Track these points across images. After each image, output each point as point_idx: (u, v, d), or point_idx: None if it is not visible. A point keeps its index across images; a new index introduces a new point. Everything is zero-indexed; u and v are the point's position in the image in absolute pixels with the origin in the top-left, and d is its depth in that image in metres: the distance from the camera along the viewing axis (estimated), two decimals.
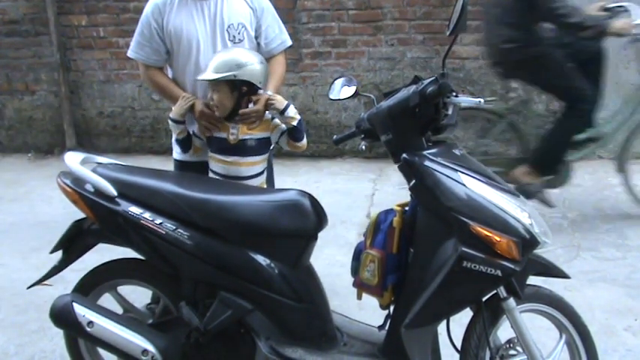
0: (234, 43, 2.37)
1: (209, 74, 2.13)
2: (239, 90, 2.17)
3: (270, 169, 2.51)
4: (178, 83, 2.44)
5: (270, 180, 2.50)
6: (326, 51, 5.30)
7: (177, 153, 2.50)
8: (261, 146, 2.27)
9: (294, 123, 2.26)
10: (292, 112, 2.26)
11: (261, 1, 2.46)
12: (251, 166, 2.25)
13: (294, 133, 2.30)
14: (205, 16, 2.36)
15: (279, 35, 2.50)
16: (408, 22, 5.12)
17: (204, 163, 2.35)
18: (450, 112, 1.84)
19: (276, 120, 2.32)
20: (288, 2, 5.20)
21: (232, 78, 2.12)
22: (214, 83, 2.15)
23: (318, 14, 5.23)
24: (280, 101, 2.25)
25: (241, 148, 2.23)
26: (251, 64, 2.16)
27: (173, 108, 2.30)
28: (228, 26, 2.37)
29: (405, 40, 5.16)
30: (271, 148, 2.36)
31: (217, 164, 2.26)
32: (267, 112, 2.29)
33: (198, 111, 2.27)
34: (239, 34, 2.38)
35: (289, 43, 2.56)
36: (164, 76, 2.46)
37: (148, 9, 2.39)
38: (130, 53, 2.45)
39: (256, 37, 2.44)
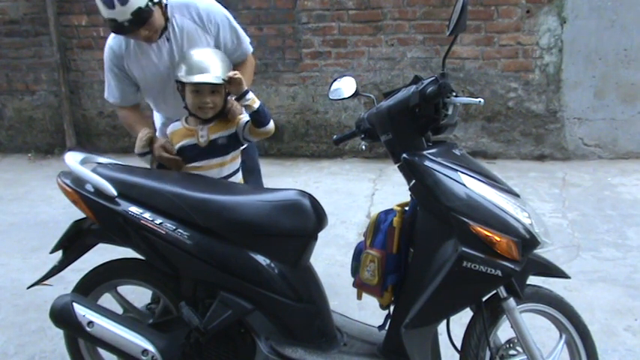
0: None
1: (213, 77, 2.07)
2: (226, 89, 2.15)
3: (258, 174, 2.53)
4: (156, 114, 2.54)
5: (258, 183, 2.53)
6: (326, 51, 5.30)
7: None
8: (231, 143, 2.20)
9: (255, 106, 2.14)
10: (251, 96, 2.14)
11: (214, 18, 2.39)
12: (227, 165, 2.20)
13: (257, 118, 2.17)
14: (164, 54, 2.36)
15: (237, 47, 2.47)
16: (408, 22, 5.13)
17: None
18: (450, 112, 1.84)
19: (241, 116, 2.24)
20: (288, 2, 5.21)
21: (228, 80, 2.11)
22: (212, 86, 2.09)
23: (318, 14, 5.23)
24: (240, 84, 2.13)
25: (213, 149, 2.17)
26: (230, 61, 2.21)
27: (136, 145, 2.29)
28: None
29: (405, 40, 5.16)
30: (243, 145, 2.28)
31: (195, 171, 2.18)
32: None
33: (157, 147, 2.21)
34: None
35: (249, 51, 2.53)
36: (134, 115, 2.49)
37: (105, 55, 2.41)
38: (106, 96, 2.49)
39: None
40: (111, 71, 2.42)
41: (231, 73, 2.10)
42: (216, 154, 2.18)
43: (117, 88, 2.44)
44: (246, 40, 2.52)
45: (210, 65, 2.10)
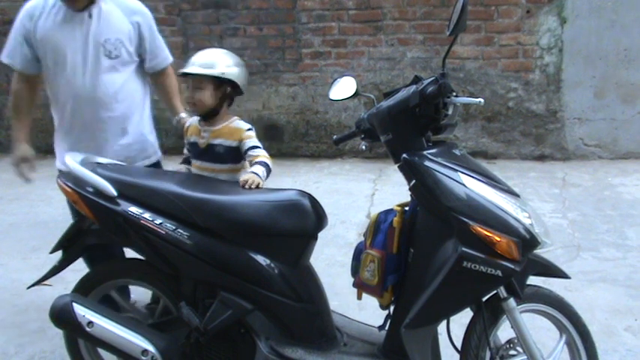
0: (110, 58, 2.34)
1: (196, 69, 2.06)
2: (224, 90, 2.12)
3: None
4: (53, 95, 2.51)
5: None
6: (326, 51, 5.30)
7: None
8: (230, 155, 2.15)
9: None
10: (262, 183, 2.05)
11: (144, 18, 2.41)
12: (221, 173, 2.15)
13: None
14: (78, 28, 2.31)
15: (157, 50, 2.48)
16: (408, 22, 5.13)
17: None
18: (450, 112, 1.84)
19: (249, 132, 2.17)
20: (288, 2, 5.21)
21: (220, 75, 2.07)
22: (197, 80, 2.08)
23: (318, 14, 5.23)
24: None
25: (210, 154, 2.15)
26: (238, 65, 2.12)
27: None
28: (105, 40, 2.32)
29: (405, 40, 5.17)
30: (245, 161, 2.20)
31: (194, 169, 2.21)
32: (237, 120, 2.19)
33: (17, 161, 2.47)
34: (115, 49, 2.34)
35: (170, 60, 2.54)
36: (27, 100, 2.57)
37: (20, 14, 2.38)
38: (2, 57, 2.42)
39: (140, 54, 2.43)
40: (18, 31, 2.37)
41: (241, 181, 2.01)
42: (213, 160, 2.16)
43: (19, 51, 2.38)
44: (166, 48, 2.53)
45: (198, 58, 2.09)
